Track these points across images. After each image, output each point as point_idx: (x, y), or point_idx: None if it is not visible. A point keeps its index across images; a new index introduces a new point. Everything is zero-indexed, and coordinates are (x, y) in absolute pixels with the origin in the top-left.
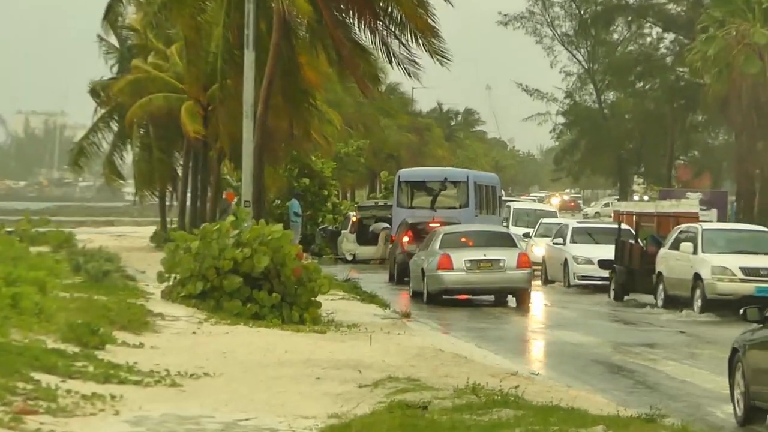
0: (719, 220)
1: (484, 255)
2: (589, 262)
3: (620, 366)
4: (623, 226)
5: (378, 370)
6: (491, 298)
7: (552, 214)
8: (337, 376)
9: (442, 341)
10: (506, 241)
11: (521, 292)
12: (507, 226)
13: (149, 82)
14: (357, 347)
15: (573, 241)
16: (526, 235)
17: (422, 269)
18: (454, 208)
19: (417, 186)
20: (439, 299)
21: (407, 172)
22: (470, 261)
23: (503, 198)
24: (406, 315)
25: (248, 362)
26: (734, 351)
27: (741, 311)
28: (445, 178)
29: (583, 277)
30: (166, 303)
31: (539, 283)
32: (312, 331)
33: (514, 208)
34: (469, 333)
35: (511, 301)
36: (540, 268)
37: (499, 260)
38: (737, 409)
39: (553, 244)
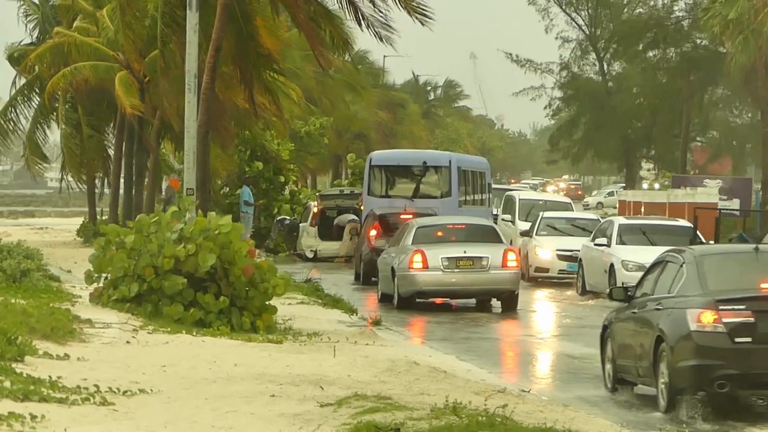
0: (742, 210)
1: (464, 252)
2: (643, 268)
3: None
4: (682, 222)
5: (343, 386)
6: (473, 301)
7: (565, 206)
8: (296, 393)
9: (417, 353)
10: (490, 235)
11: (507, 295)
12: (513, 222)
13: (74, 49)
14: (318, 360)
15: (621, 242)
16: (525, 233)
17: (392, 268)
18: (435, 197)
19: (391, 171)
20: (412, 303)
21: (380, 155)
22: (448, 259)
23: (493, 186)
24: (376, 322)
25: (191, 377)
26: (604, 328)
27: (608, 291)
28: (425, 162)
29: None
30: (95, 307)
31: (573, 293)
32: (266, 341)
33: (520, 200)
34: (448, 343)
35: (496, 305)
36: (544, 273)
37: (481, 258)
38: (607, 380)
39: (595, 245)
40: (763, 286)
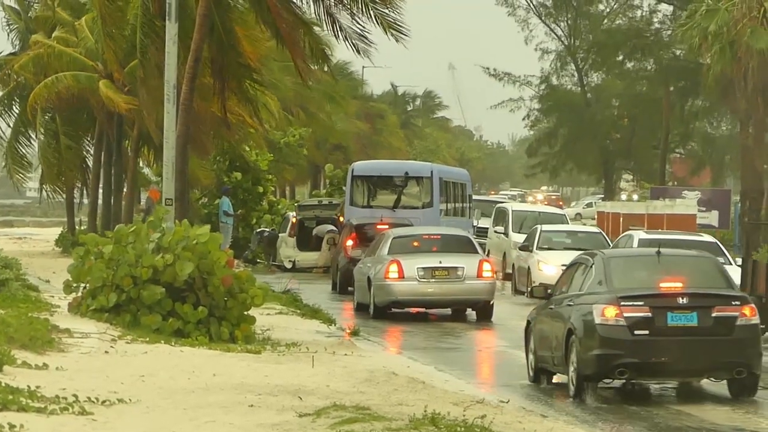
0: (721, 222)
1: (440, 262)
2: None
3: (606, 393)
4: (706, 237)
5: (321, 396)
6: (449, 311)
7: (561, 218)
8: (274, 403)
9: (395, 363)
10: (466, 246)
11: (482, 305)
12: (506, 234)
13: (54, 59)
14: (297, 370)
15: None
16: (524, 248)
17: (368, 278)
18: (416, 207)
19: (373, 182)
20: (389, 313)
21: (362, 166)
22: (423, 269)
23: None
24: (354, 332)
25: (170, 387)
26: (528, 323)
27: (528, 289)
28: (406, 173)
29: None
30: (74, 317)
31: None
32: (244, 351)
33: (513, 211)
34: (427, 353)
35: (471, 315)
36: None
37: (456, 268)
38: (530, 370)
39: None
40: (661, 285)
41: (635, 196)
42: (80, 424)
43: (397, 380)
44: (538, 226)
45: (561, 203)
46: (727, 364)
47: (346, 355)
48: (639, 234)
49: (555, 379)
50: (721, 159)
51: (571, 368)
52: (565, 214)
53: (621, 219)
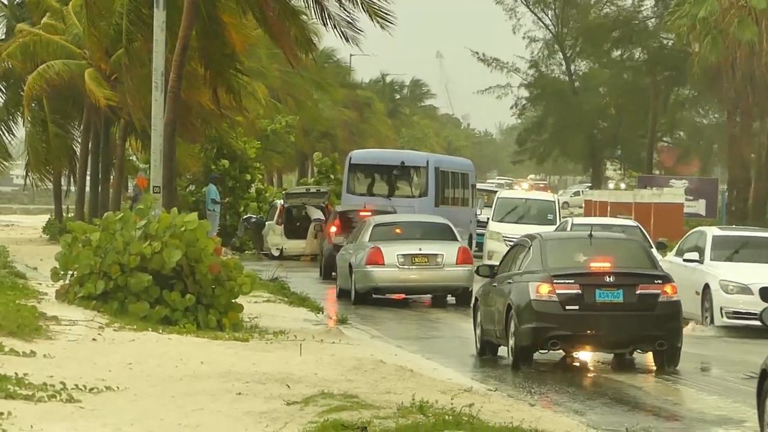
0: (708, 211)
1: (420, 249)
2: (746, 290)
3: (595, 381)
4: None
5: (309, 384)
6: (439, 300)
7: (549, 206)
8: (262, 391)
9: (383, 351)
10: (445, 233)
11: (461, 291)
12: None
13: (41, 47)
14: (285, 358)
15: (715, 257)
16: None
17: (350, 264)
18: (412, 196)
19: (370, 170)
20: (373, 300)
21: (360, 154)
22: (403, 256)
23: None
24: (342, 320)
25: (158, 375)
26: (475, 300)
27: (476, 269)
28: (402, 162)
29: (736, 314)
30: (61, 305)
31: None
32: (232, 339)
33: (499, 198)
34: (415, 341)
35: (452, 301)
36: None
37: (436, 255)
38: (476, 344)
39: (684, 260)
40: (591, 265)
41: (622, 185)
42: (68, 411)
43: (384, 368)
44: (569, 219)
45: (549, 191)
46: (650, 337)
47: (333, 343)
48: (713, 230)
49: (500, 351)
50: (709, 148)
51: (511, 340)
52: (555, 201)
53: (608, 208)
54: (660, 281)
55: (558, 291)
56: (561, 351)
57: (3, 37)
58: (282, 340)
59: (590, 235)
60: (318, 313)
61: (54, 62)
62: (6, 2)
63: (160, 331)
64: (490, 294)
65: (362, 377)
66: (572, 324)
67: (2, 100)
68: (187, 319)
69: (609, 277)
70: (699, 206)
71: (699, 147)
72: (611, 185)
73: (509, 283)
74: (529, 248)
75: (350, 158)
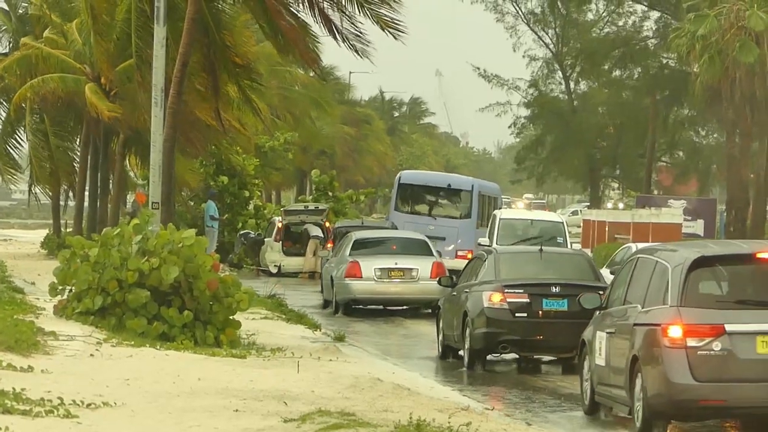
0: (706, 231)
1: (396, 263)
2: None
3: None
4: (556, 217)
5: (306, 402)
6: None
7: (556, 228)
8: (259, 408)
9: (380, 369)
10: (421, 248)
11: (435, 304)
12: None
13: (41, 61)
14: (282, 375)
15: None
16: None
17: (331, 277)
18: (455, 217)
19: (418, 190)
20: (366, 312)
21: (409, 175)
22: (380, 269)
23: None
24: (339, 338)
25: (155, 391)
26: (438, 308)
27: (438, 279)
28: (449, 185)
29: None
30: (59, 320)
31: None
32: (230, 356)
33: (501, 219)
34: (412, 360)
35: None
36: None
37: (411, 269)
38: (438, 348)
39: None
40: (539, 277)
41: (621, 205)
42: (65, 426)
43: (382, 386)
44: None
45: (547, 211)
46: None
47: (331, 360)
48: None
49: (461, 353)
50: (707, 168)
51: (466, 344)
52: (563, 222)
53: (606, 227)
54: (602, 292)
55: (509, 300)
56: (512, 354)
57: (6, 50)
58: (279, 357)
59: (541, 250)
60: (315, 330)
61: (51, 76)
62: (11, 16)
63: (158, 347)
64: (450, 302)
65: (359, 395)
66: (521, 330)
67: (4, 114)
68: (185, 336)
69: (555, 287)
70: (697, 226)
71: (698, 167)
72: (609, 205)
73: (466, 292)
74: (485, 261)
75: (399, 178)
